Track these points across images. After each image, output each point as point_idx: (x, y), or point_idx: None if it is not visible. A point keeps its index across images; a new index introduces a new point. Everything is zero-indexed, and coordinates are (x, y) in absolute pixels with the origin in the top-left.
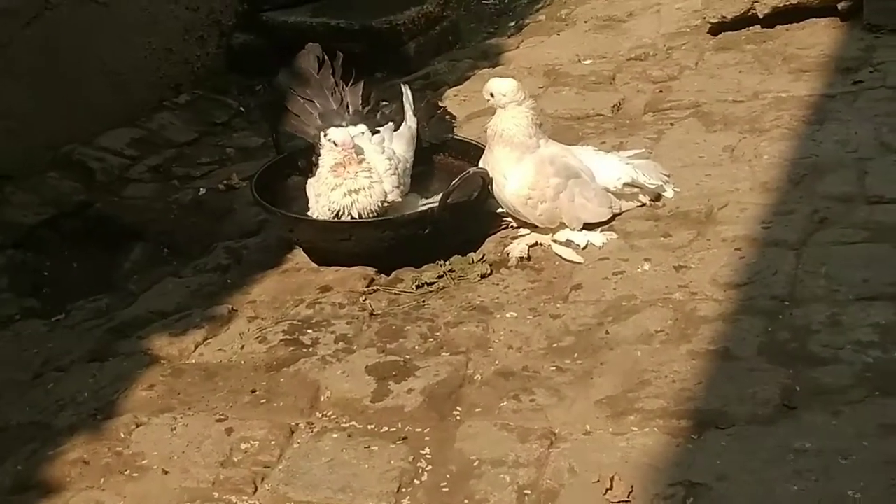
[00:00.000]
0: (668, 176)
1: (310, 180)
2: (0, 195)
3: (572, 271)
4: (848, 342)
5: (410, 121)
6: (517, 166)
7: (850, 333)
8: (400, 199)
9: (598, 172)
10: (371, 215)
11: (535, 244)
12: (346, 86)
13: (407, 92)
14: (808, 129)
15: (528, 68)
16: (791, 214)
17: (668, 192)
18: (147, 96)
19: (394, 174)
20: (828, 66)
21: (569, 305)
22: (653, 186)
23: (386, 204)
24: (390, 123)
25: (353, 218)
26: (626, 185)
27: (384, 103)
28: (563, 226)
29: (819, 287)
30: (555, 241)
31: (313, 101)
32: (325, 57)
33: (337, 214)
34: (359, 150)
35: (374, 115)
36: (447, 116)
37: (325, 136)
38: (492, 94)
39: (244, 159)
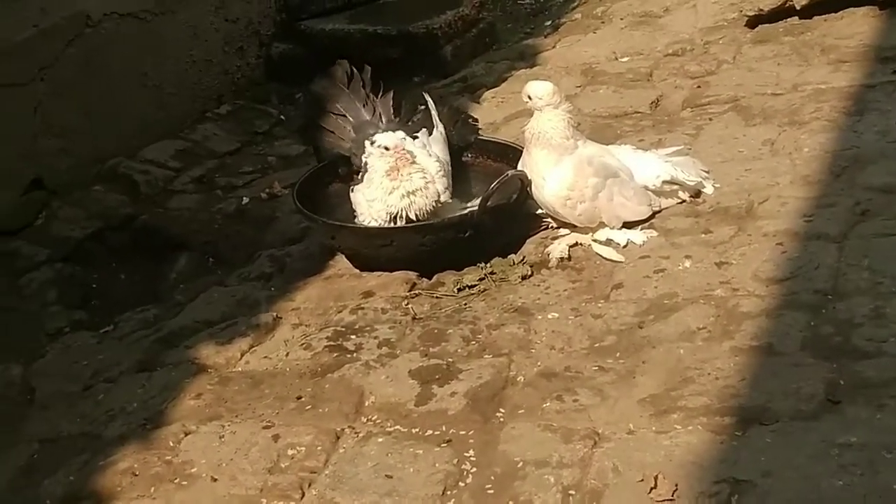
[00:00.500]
0: (708, 172)
1: (356, 188)
2: (48, 210)
3: (613, 270)
4: (892, 335)
5: (439, 125)
6: (555, 168)
7: (894, 326)
8: (451, 201)
9: (637, 171)
10: (426, 216)
11: (576, 244)
12: (378, 97)
13: (429, 99)
14: (848, 121)
15: (564, 68)
16: (832, 207)
17: (708, 188)
18: (189, 108)
19: (443, 176)
20: (867, 56)
21: (610, 304)
22: (692, 183)
23: (439, 205)
24: (424, 129)
25: (409, 220)
26: (665, 182)
27: (420, 109)
28: (602, 225)
29: (862, 280)
30: (595, 240)
31: (346, 115)
32: (354, 70)
33: (395, 217)
34: (411, 153)
35: (406, 123)
36: (470, 120)
37: (373, 143)
38: (529, 97)
39: (285, 168)
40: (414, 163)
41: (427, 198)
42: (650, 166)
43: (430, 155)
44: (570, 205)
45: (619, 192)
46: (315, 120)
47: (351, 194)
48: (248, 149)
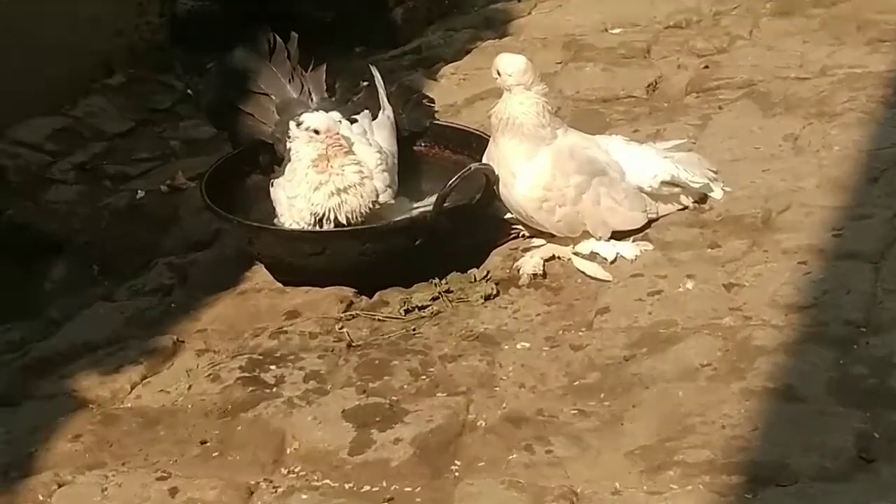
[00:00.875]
0: (716, 172)
1: (276, 181)
2: None
3: (598, 291)
4: None
5: (386, 108)
6: (529, 161)
7: None
8: (392, 202)
9: (630, 168)
10: (360, 220)
11: (552, 257)
12: (306, 71)
13: (375, 73)
14: (888, 113)
15: (542, 39)
16: (867, 219)
17: (716, 193)
18: (71, 77)
19: (384, 170)
20: None
21: (593, 333)
22: (697, 185)
23: (377, 206)
24: (366, 111)
25: (339, 223)
26: (664, 183)
27: (361, 87)
28: (586, 235)
29: None
30: (576, 253)
31: (267, 93)
32: (278, 38)
33: (321, 220)
34: (346, 139)
35: (345, 104)
36: (425, 101)
37: (299, 124)
38: (498, 73)
39: (192, 154)
40: (349, 152)
41: (362, 197)
42: (646, 163)
43: (370, 144)
44: (547, 208)
45: (607, 194)
46: (228, 98)
47: (271, 189)
48: (144, 129)
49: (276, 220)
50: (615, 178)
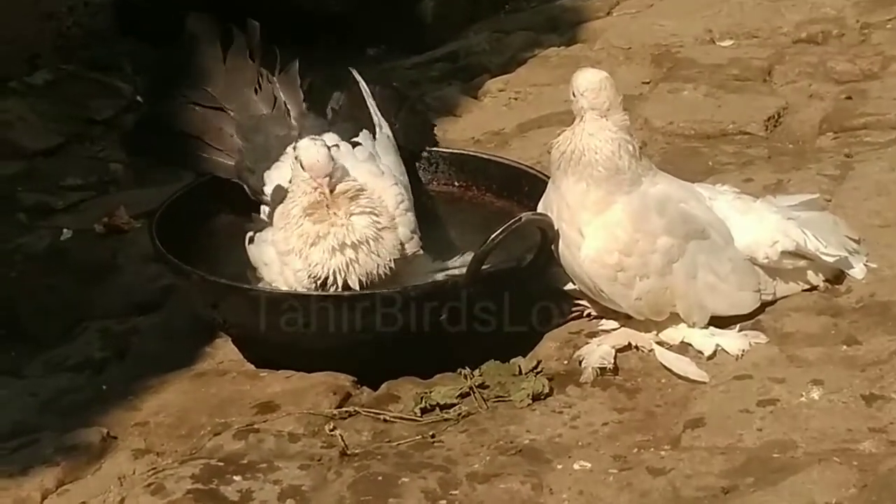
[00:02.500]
0: (858, 242)
1: (259, 235)
2: None
3: (688, 396)
4: None
5: (382, 125)
6: (601, 215)
7: None
8: (421, 252)
9: (740, 231)
10: (375, 284)
11: (628, 347)
12: (274, 75)
13: (359, 79)
14: None
15: (625, 49)
16: None
17: (857, 270)
18: None
19: (407, 210)
20: None
21: (680, 454)
22: (830, 259)
23: (403, 260)
24: (364, 130)
25: (351, 290)
26: (785, 254)
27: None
28: (675, 319)
29: None
30: (660, 343)
31: (223, 109)
32: (233, 29)
33: (323, 284)
34: (343, 176)
35: (325, 119)
36: (419, 106)
37: (294, 149)
38: (573, 94)
39: (140, 184)
40: (356, 196)
41: (379, 256)
42: (762, 225)
43: (382, 173)
44: (624, 280)
45: (706, 266)
46: (165, 119)
47: (249, 248)
48: (75, 147)
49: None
50: (719, 245)
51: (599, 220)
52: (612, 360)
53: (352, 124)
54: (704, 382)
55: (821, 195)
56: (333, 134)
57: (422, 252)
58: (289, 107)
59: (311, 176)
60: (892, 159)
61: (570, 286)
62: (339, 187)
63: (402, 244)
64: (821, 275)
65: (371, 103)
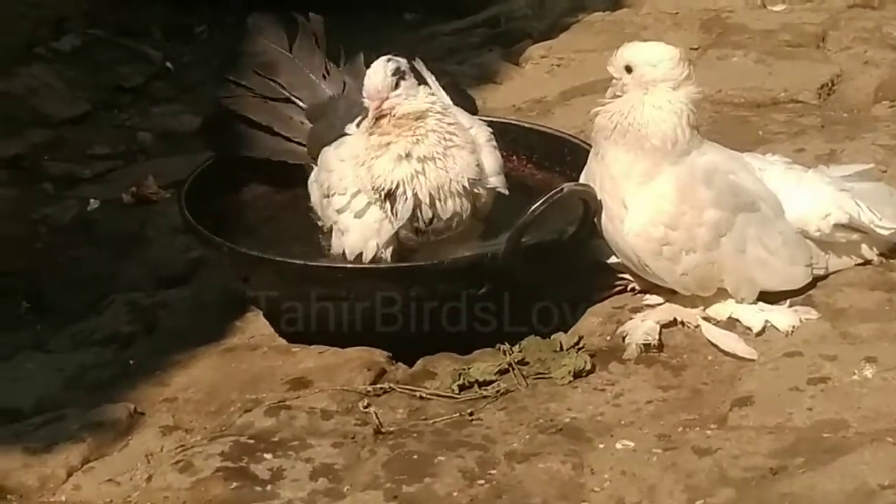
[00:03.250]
0: None
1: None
2: None
3: (736, 374)
4: None
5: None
6: (647, 186)
7: None
8: (506, 192)
9: (791, 203)
10: (454, 210)
11: (673, 322)
12: (340, 64)
13: (423, 68)
14: None
15: (672, 14)
16: None
17: None
18: (4, 39)
19: (496, 149)
20: None
21: (727, 433)
22: (885, 232)
23: (481, 192)
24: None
25: (419, 204)
26: (839, 227)
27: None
28: (722, 294)
29: None
30: (707, 318)
31: (291, 98)
32: (300, 19)
33: (389, 196)
34: (409, 98)
35: None
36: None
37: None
38: (628, 68)
39: (169, 153)
40: (427, 113)
41: (448, 171)
42: (815, 197)
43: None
44: (669, 254)
45: (756, 239)
46: (232, 110)
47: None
48: (103, 115)
49: (331, 193)
50: (769, 217)
51: (644, 192)
52: (657, 337)
53: None
54: (753, 360)
55: (876, 165)
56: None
57: (506, 191)
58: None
59: (366, 96)
60: None
61: (613, 259)
62: (404, 107)
63: (482, 170)
64: (875, 248)
65: (439, 91)
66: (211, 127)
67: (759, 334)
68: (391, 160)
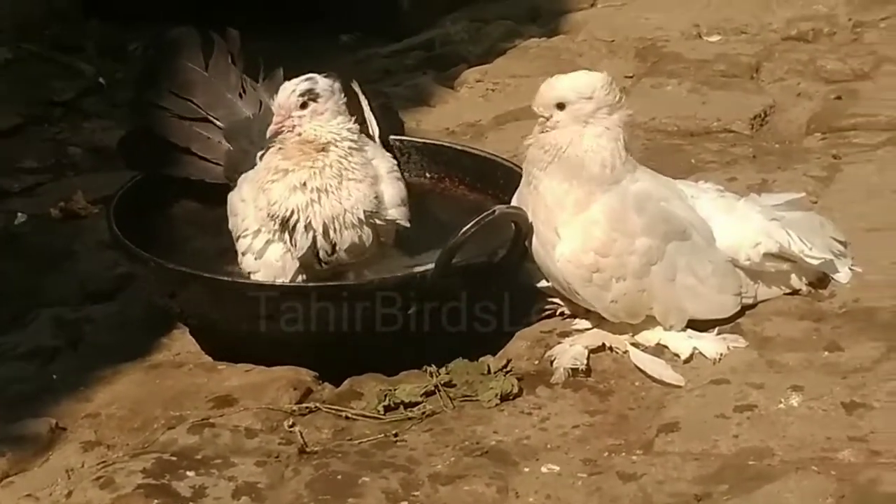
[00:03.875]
0: (844, 244)
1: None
2: None
3: (663, 400)
4: None
5: (375, 131)
6: (579, 214)
7: None
8: (407, 225)
9: (722, 231)
10: (349, 241)
11: (602, 348)
12: (259, 81)
13: (358, 89)
14: None
15: (608, 42)
16: None
17: (841, 274)
18: None
19: (399, 180)
20: None
21: (653, 459)
22: (815, 262)
23: (381, 223)
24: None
25: (314, 233)
26: (768, 255)
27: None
28: (651, 320)
29: None
30: (635, 344)
31: (208, 119)
32: (214, 37)
33: (284, 225)
34: (315, 124)
35: None
36: (394, 110)
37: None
38: (560, 105)
39: (98, 168)
40: (330, 144)
41: (342, 203)
42: (745, 226)
43: (378, 148)
44: (599, 282)
45: (687, 268)
46: (152, 129)
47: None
48: (34, 129)
49: (237, 237)
50: (700, 246)
51: (577, 220)
52: (585, 361)
53: None
54: (680, 386)
55: (806, 195)
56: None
57: (408, 224)
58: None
59: (275, 110)
60: (881, 162)
61: (543, 283)
62: (307, 132)
63: (381, 203)
64: (804, 278)
65: (367, 114)
66: (129, 145)
67: (686, 361)
68: (287, 188)
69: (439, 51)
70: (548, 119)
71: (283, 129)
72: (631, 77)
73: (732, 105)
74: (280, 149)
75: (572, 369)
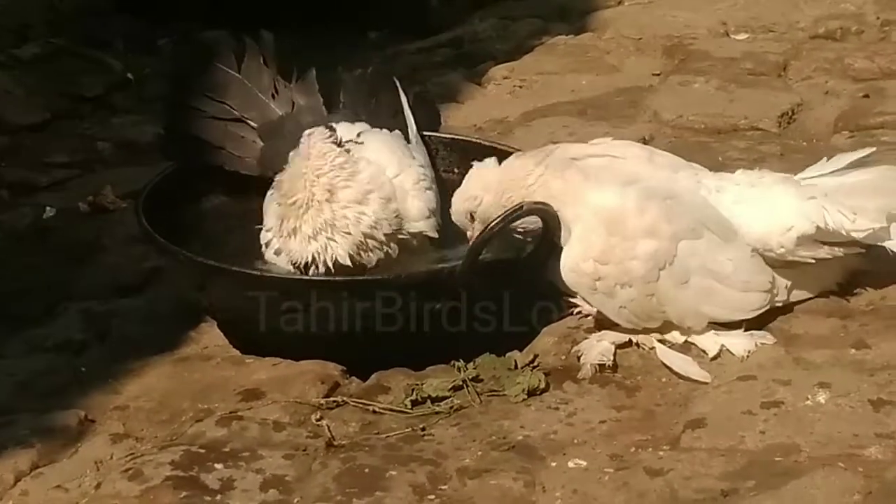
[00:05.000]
0: None
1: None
2: None
3: (690, 396)
4: None
5: (413, 127)
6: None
7: None
8: (435, 235)
9: (751, 221)
10: (378, 256)
11: (629, 343)
12: (291, 82)
13: (398, 85)
14: None
15: (635, 40)
16: None
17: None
18: None
19: (428, 189)
20: None
21: (679, 455)
22: (860, 234)
23: (407, 237)
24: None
25: (342, 266)
26: (803, 239)
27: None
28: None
29: None
30: (663, 341)
31: (242, 119)
32: (246, 41)
33: (307, 268)
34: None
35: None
36: (431, 101)
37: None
38: (470, 217)
39: (128, 162)
40: (339, 175)
41: (368, 230)
42: (777, 210)
43: (405, 153)
44: (604, 289)
45: (702, 268)
46: (186, 130)
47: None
48: (63, 124)
49: (262, 239)
50: (716, 243)
51: (577, 227)
52: (612, 357)
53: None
54: (706, 383)
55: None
56: (362, 123)
57: (436, 234)
58: (307, 111)
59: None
60: None
61: None
62: (348, 192)
63: (404, 219)
64: (844, 270)
65: (406, 110)
66: (168, 136)
67: (714, 358)
68: (303, 240)
69: (467, 48)
70: (472, 233)
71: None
72: (658, 74)
73: (760, 103)
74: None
75: (600, 365)
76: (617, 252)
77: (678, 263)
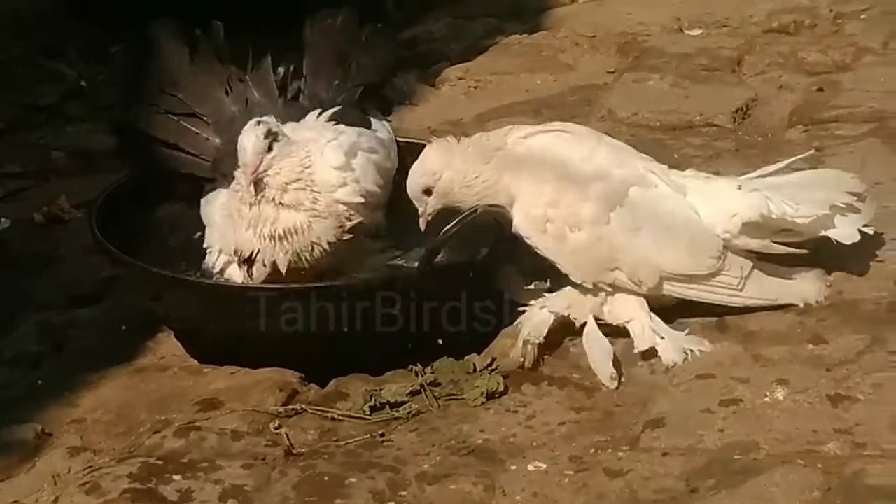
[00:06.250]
0: (861, 199)
1: (211, 195)
2: None
3: (649, 396)
4: None
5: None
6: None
7: None
8: (357, 200)
9: (698, 208)
10: (320, 258)
11: (566, 319)
12: (246, 73)
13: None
14: None
15: (589, 38)
16: None
17: (843, 232)
18: None
19: (348, 152)
20: None
21: (639, 455)
22: (804, 221)
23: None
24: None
25: (278, 269)
26: (748, 227)
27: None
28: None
29: None
30: (599, 319)
31: (195, 114)
32: (196, 31)
33: (246, 261)
34: (284, 152)
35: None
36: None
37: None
38: (426, 192)
39: (81, 172)
40: (294, 181)
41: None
42: (721, 198)
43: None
44: (554, 232)
45: (654, 216)
46: (139, 126)
47: (202, 200)
48: (17, 134)
49: (205, 261)
50: (668, 194)
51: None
52: (543, 335)
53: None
54: (606, 386)
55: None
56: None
57: (359, 200)
58: (263, 102)
59: (241, 164)
60: (863, 153)
61: (532, 286)
62: (282, 175)
63: (339, 226)
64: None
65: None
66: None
67: (642, 353)
68: (254, 233)
69: (421, 48)
70: (426, 209)
71: (260, 175)
72: (613, 72)
73: (714, 99)
74: (254, 196)
75: (527, 344)
76: (567, 196)
77: (629, 207)
